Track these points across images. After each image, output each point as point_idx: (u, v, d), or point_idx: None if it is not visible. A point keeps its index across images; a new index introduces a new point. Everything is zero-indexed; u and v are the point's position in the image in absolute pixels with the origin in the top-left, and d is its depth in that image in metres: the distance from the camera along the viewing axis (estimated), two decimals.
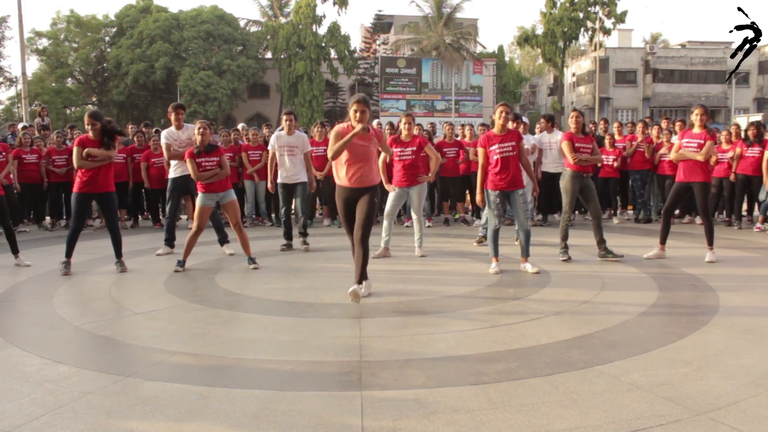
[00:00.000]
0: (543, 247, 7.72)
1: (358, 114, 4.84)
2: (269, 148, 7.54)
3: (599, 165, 9.08)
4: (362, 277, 4.89)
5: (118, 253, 6.36)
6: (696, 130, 6.55)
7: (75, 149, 6.19)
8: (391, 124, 10.74)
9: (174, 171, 7.38)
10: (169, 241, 7.36)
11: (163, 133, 7.46)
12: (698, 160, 6.44)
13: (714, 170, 9.63)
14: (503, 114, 6.02)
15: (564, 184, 6.64)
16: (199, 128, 6.35)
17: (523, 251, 6.14)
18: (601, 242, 6.66)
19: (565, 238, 6.65)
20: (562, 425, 2.70)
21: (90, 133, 6.23)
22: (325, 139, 9.61)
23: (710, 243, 6.58)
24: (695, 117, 6.53)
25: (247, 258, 6.48)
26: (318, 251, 7.44)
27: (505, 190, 6.04)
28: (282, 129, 7.57)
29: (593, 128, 10.94)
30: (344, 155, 4.93)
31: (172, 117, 7.30)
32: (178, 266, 6.27)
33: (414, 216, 7.15)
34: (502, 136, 6.02)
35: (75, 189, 6.24)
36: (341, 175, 5.02)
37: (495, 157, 6.01)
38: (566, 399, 2.97)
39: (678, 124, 9.73)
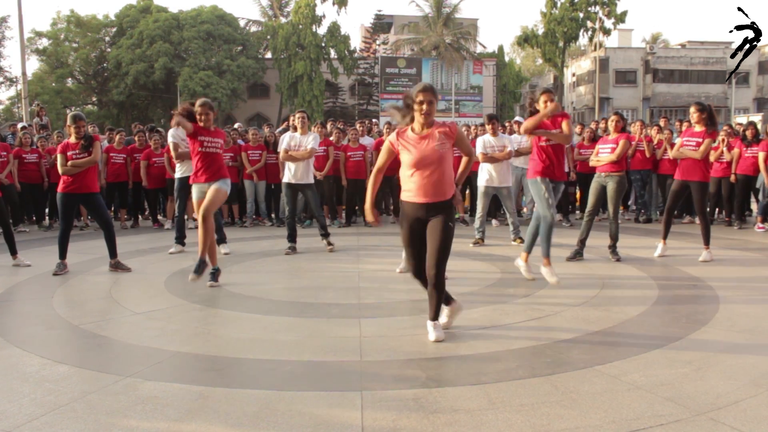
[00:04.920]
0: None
1: (424, 106, 3.73)
2: (282, 147, 7.42)
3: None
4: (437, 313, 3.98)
5: (113, 252, 6.31)
6: (697, 128, 6.57)
7: (59, 156, 6.22)
8: (389, 123, 10.74)
9: (180, 171, 7.37)
10: (180, 240, 7.37)
11: (171, 132, 7.43)
12: (696, 159, 6.47)
13: (713, 170, 9.66)
14: (547, 102, 5.54)
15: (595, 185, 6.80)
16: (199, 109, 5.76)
17: (544, 251, 5.55)
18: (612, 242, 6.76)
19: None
20: (562, 425, 2.70)
21: (72, 137, 6.24)
22: (325, 140, 9.62)
23: (706, 242, 6.60)
24: (693, 114, 6.58)
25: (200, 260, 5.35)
26: (318, 251, 7.44)
27: (551, 178, 5.55)
28: (283, 128, 7.56)
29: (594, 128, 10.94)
30: (408, 159, 3.80)
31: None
32: (200, 272, 5.32)
33: None
34: (548, 124, 5.58)
35: (59, 189, 6.27)
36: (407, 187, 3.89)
37: (541, 143, 5.59)
38: (566, 399, 2.97)
39: (685, 124, 9.63)
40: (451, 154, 3.85)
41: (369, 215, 4.06)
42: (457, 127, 3.89)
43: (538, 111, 5.58)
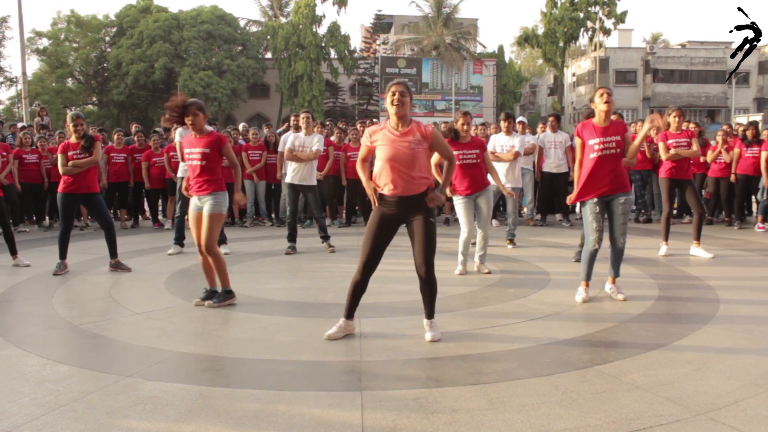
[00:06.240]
0: (542, 247, 7.73)
1: (396, 96, 3.77)
2: (284, 146, 7.36)
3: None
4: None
5: (113, 252, 6.32)
6: (674, 130, 6.93)
7: (59, 157, 6.22)
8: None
9: (182, 170, 7.37)
10: (179, 240, 7.37)
11: (179, 131, 7.41)
12: (685, 158, 6.82)
13: (710, 170, 9.68)
14: (606, 96, 4.74)
15: None
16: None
17: (612, 270, 5.00)
18: None
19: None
20: (562, 425, 2.70)
21: (73, 137, 6.25)
22: (326, 139, 9.61)
23: (698, 237, 6.88)
24: (673, 119, 6.92)
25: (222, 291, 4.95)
26: (318, 251, 7.44)
27: (605, 195, 4.78)
28: (283, 129, 7.52)
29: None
30: (382, 154, 3.85)
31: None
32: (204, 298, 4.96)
33: None
34: (604, 128, 4.78)
35: (59, 189, 6.28)
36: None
37: (592, 155, 4.76)
38: (566, 399, 2.97)
39: (692, 125, 9.52)
40: (425, 154, 3.88)
41: (369, 189, 3.95)
42: (434, 131, 3.90)
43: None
